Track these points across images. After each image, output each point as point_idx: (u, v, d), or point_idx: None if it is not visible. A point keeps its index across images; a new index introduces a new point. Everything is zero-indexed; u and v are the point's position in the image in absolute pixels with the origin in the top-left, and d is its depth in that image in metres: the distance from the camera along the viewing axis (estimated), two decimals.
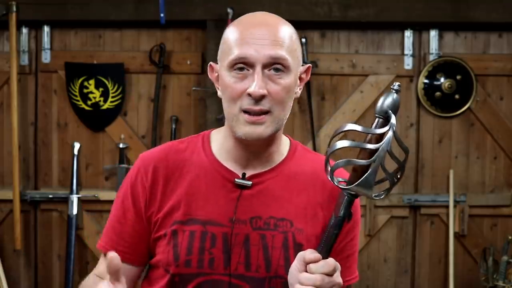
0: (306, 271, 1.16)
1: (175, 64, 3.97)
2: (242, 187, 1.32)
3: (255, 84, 1.24)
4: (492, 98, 4.06)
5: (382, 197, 1.15)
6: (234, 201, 1.31)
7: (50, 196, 3.97)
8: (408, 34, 4.01)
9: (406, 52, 4.02)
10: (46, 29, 3.97)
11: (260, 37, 1.25)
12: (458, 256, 4.02)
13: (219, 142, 1.37)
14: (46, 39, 3.98)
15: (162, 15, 3.70)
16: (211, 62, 1.37)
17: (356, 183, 1.11)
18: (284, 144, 1.38)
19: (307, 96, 3.92)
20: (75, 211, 3.90)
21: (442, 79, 4.01)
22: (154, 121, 3.94)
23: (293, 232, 1.31)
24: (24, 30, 3.98)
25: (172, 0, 3.75)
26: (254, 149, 1.32)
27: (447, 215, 3.99)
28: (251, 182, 1.32)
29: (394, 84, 1.14)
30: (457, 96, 4.02)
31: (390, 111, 1.12)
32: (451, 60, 4.00)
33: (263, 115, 1.26)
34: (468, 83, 4.01)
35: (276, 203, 1.32)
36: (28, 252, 4.04)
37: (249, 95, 1.24)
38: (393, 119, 1.11)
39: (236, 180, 1.32)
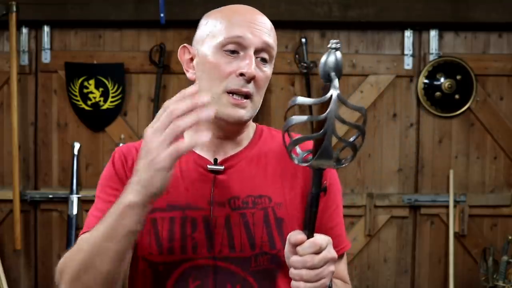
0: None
1: (175, 64, 3.97)
2: (216, 172, 1.33)
3: (250, 64, 1.26)
4: (492, 98, 4.07)
5: (345, 165, 1.09)
6: (210, 185, 1.32)
7: (50, 196, 3.97)
8: (408, 34, 4.01)
9: (406, 52, 4.02)
10: (46, 29, 3.97)
11: (256, 22, 1.29)
12: (458, 256, 4.02)
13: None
14: (46, 39, 3.98)
15: (162, 15, 3.71)
16: (185, 44, 1.38)
17: (314, 157, 1.07)
18: (251, 127, 1.41)
19: (307, 96, 3.92)
20: (75, 211, 3.91)
21: (442, 79, 4.01)
22: None
23: (273, 207, 1.31)
24: (24, 30, 3.98)
25: (172, 0, 3.76)
26: (227, 133, 1.34)
27: (447, 215, 3.99)
28: (223, 167, 1.33)
29: (331, 42, 1.04)
30: (457, 96, 4.02)
31: (333, 73, 1.03)
32: (451, 60, 4.00)
33: (246, 100, 1.28)
34: (468, 83, 4.01)
35: (251, 181, 1.33)
36: (28, 252, 4.04)
37: (241, 75, 1.26)
38: (335, 82, 1.02)
39: (208, 166, 1.33)
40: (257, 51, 1.28)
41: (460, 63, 4.00)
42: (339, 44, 1.04)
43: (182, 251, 1.28)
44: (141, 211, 1.10)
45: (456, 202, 4.00)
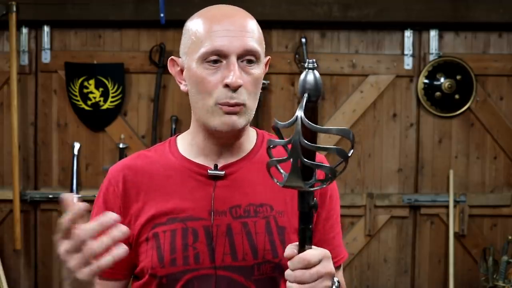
0: None
1: None
2: (216, 178, 1.32)
3: (233, 74, 1.24)
4: (492, 98, 4.07)
5: (316, 188, 1.07)
6: (210, 194, 1.31)
7: (50, 196, 3.97)
8: (408, 34, 4.01)
9: (406, 52, 4.02)
10: (46, 29, 3.97)
11: (233, 28, 1.27)
12: (458, 256, 4.02)
13: (186, 142, 1.37)
14: (46, 39, 3.98)
15: (162, 15, 3.70)
16: (172, 57, 1.38)
17: (285, 181, 1.05)
18: (251, 133, 1.40)
19: None
20: None
21: (442, 79, 4.01)
22: (154, 121, 3.95)
23: (275, 216, 1.31)
24: (24, 30, 3.98)
25: (172, 0, 3.76)
26: (226, 141, 1.32)
27: (447, 215, 3.99)
28: (224, 172, 1.32)
29: (307, 61, 1.03)
30: (457, 96, 4.02)
31: (306, 94, 1.01)
32: (451, 60, 4.00)
33: (238, 106, 1.26)
34: (468, 83, 4.01)
35: (252, 189, 1.32)
36: (28, 252, 4.04)
37: (226, 86, 1.25)
38: (301, 106, 1.00)
39: (209, 171, 1.32)
40: (240, 56, 1.26)
41: (460, 63, 4.00)
42: (315, 64, 1.02)
43: (184, 262, 1.28)
44: None
45: (456, 202, 4.00)
